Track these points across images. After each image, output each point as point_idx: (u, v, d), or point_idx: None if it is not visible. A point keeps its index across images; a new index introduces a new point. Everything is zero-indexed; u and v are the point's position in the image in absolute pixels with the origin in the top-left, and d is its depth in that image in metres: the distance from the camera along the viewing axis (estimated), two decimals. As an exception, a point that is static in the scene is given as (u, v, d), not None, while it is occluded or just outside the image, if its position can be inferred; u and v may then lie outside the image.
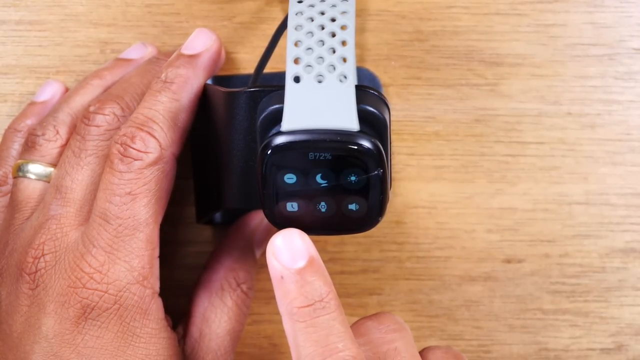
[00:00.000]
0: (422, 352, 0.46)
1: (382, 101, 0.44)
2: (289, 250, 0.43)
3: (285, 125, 0.43)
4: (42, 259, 0.46)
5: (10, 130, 0.52)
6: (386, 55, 0.54)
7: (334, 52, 0.44)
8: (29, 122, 0.52)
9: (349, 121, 0.43)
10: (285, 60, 0.44)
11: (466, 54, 0.54)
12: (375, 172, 0.43)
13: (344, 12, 0.45)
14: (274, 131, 0.44)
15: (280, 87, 0.44)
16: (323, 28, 0.45)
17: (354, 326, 0.45)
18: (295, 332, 0.42)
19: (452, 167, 0.54)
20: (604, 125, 0.54)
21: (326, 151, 0.43)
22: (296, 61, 0.44)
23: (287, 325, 0.43)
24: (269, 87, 0.45)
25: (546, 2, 0.54)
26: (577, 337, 0.55)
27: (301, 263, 0.43)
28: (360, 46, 0.54)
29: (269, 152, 0.43)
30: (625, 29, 0.54)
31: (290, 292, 0.42)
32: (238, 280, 0.51)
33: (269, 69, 0.51)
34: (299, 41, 0.45)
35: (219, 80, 0.53)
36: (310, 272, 0.43)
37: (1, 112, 0.54)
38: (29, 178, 0.49)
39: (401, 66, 0.54)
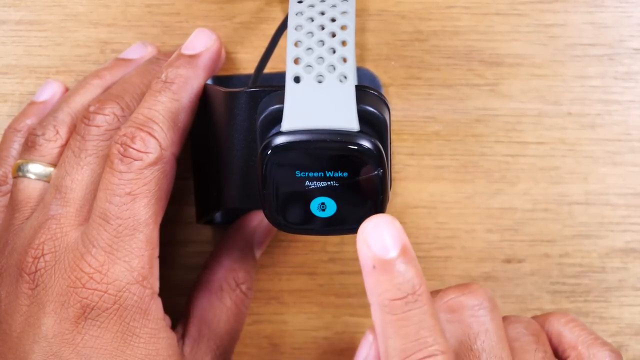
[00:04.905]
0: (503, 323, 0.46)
1: (382, 101, 0.44)
2: (380, 238, 0.41)
3: (285, 125, 0.43)
4: (42, 259, 0.46)
5: (10, 130, 0.52)
6: (386, 55, 0.54)
7: (334, 52, 0.44)
8: (29, 122, 0.52)
9: (349, 121, 0.43)
10: (285, 60, 0.44)
11: (466, 54, 0.54)
12: (375, 172, 0.43)
13: (344, 12, 0.45)
14: (274, 131, 0.44)
15: (280, 87, 0.44)
16: (323, 28, 0.45)
17: (445, 300, 0.45)
18: (385, 324, 0.42)
19: (452, 167, 0.54)
20: (604, 125, 0.54)
21: (326, 151, 0.43)
22: (296, 61, 0.44)
23: (376, 315, 0.42)
24: (269, 87, 0.45)
25: (546, 2, 0.54)
26: (577, 337, 0.55)
27: (394, 252, 0.41)
28: (360, 46, 0.54)
29: (269, 152, 0.43)
30: (625, 29, 0.54)
31: (382, 284, 0.41)
32: (237, 281, 0.51)
33: (269, 69, 0.51)
34: (299, 41, 0.45)
35: (219, 80, 0.53)
36: (402, 262, 0.41)
37: (1, 112, 0.54)
38: (29, 178, 0.49)
39: (401, 66, 0.54)
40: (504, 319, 0.46)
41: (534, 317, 0.48)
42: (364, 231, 0.41)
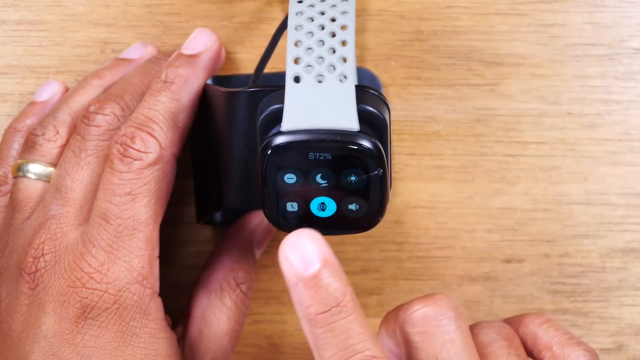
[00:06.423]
0: (473, 330, 0.45)
1: (382, 101, 0.44)
2: (301, 255, 0.41)
3: (285, 125, 0.43)
4: (42, 259, 0.46)
5: (10, 130, 0.52)
6: (386, 55, 0.54)
7: (334, 52, 0.44)
8: (29, 121, 0.52)
9: (349, 121, 0.43)
10: (285, 60, 0.44)
11: (466, 54, 0.54)
12: (375, 172, 0.43)
13: (344, 12, 0.45)
14: (274, 131, 0.44)
15: (280, 87, 0.44)
16: (323, 28, 0.45)
17: (409, 312, 0.44)
18: (315, 336, 0.42)
19: (452, 167, 0.54)
20: (604, 125, 0.54)
21: (326, 151, 0.43)
22: (296, 61, 0.44)
23: (305, 329, 0.42)
24: (269, 87, 0.45)
25: (546, 2, 0.54)
26: (577, 337, 0.55)
27: (315, 267, 0.41)
28: (360, 46, 0.54)
29: (269, 152, 0.43)
30: (625, 29, 0.54)
31: (307, 299, 0.41)
32: (237, 281, 0.51)
33: (269, 69, 0.51)
34: (299, 41, 0.45)
35: (219, 80, 0.53)
36: (324, 275, 0.41)
37: (1, 112, 0.54)
38: (29, 178, 0.49)
39: (401, 66, 0.54)
40: (475, 325, 0.46)
41: (509, 319, 0.47)
42: (284, 248, 0.41)
